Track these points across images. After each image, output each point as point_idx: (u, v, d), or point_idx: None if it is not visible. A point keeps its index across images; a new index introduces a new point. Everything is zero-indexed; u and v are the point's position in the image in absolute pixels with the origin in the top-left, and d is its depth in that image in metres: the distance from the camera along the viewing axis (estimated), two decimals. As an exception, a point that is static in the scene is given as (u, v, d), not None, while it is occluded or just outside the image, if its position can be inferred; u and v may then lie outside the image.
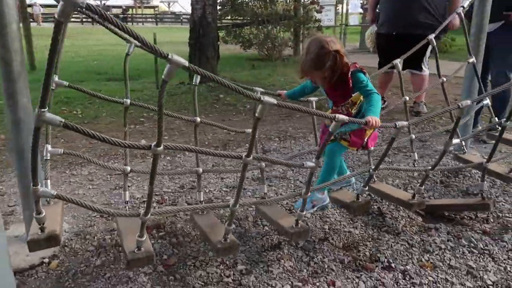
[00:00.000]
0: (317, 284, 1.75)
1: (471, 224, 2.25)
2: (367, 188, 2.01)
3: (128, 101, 1.96)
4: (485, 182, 2.23)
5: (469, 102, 1.69)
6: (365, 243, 2.07)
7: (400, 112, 4.45)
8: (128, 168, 2.02)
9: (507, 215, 2.33)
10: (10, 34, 1.76)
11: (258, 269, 1.85)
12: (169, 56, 1.11)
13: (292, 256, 1.96)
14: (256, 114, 1.34)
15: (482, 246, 2.01)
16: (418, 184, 2.02)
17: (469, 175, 2.89)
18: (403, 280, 1.78)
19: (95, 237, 2.14)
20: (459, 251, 1.98)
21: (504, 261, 1.90)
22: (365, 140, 1.99)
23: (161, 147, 1.27)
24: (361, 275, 1.82)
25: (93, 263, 1.93)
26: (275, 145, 3.67)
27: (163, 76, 1.16)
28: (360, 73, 1.86)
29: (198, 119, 2.11)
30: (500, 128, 1.90)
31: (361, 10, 13.76)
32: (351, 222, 2.28)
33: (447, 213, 2.35)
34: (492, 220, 2.29)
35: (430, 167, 1.95)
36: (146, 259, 1.57)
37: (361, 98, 1.93)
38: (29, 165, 1.78)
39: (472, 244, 2.03)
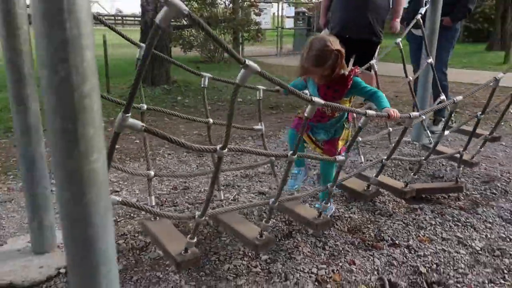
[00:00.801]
0: (340, 264, 1.92)
1: (447, 202, 2.58)
2: (378, 177, 2.21)
3: (145, 106, 1.96)
4: (461, 168, 2.56)
5: (461, 97, 1.98)
6: (367, 225, 2.28)
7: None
8: (152, 173, 2.01)
9: (473, 192, 2.70)
10: (22, 35, 1.69)
11: (281, 257, 1.97)
12: (246, 62, 1.18)
13: (307, 243, 2.10)
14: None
15: (463, 220, 2.33)
16: (412, 174, 2.29)
17: (431, 162, 3.26)
18: (410, 254, 2.01)
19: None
20: (447, 225, 2.28)
21: (484, 230, 2.23)
22: (338, 150, 2.11)
23: (225, 150, 1.35)
24: (373, 253, 2.02)
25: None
26: (251, 144, 3.79)
27: (237, 81, 1.22)
28: (357, 77, 2.00)
29: (211, 120, 2.18)
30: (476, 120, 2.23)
31: (293, 14, 14.36)
32: (347, 208, 2.48)
33: (424, 195, 2.65)
34: (462, 198, 2.64)
35: (423, 158, 2.23)
36: (195, 260, 1.63)
37: (348, 103, 2.06)
38: (39, 173, 1.74)
39: (455, 219, 2.34)
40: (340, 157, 1.74)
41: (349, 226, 2.28)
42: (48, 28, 0.81)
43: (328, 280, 1.81)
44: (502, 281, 1.82)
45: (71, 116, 0.86)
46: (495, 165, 3.21)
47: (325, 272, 1.85)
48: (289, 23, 14.35)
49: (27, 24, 1.71)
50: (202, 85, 2.16)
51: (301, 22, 13.19)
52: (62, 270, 1.87)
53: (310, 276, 1.82)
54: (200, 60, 10.28)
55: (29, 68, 1.74)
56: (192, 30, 10.11)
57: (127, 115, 1.13)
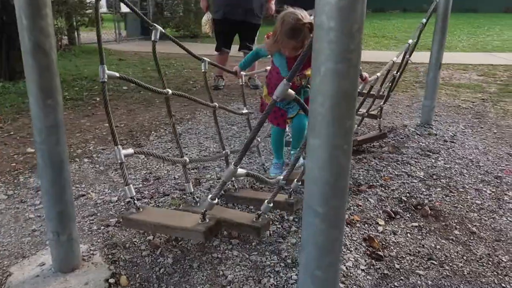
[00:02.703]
0: (351, 208, 2.30)
1: (377, 150, 3.24)
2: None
3: (170, 91, 1.88)
4: (381, 119, 3.23)
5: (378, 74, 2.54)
6: (341, 177, 2.72)
7: (238, 88, 5.25)
8: (187, 159, 1.93)
9: (390, 141, 3.45)
10: (48, 16, 1.43)
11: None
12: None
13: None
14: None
15: (399, 159, 3.00)
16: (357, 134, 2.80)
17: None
18: (387, 190, 2.54)
19: (136, 243, 1.94)
20: (392, 165, 2.91)
21: (414, 164, 2.94)
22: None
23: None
24: (363, 196, 2.46)
25: (165, 262, 1.82)
26: (189, 124, 3.75)
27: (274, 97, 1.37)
28: None
29: (217, 104, 2.20)
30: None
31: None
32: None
33: (355, 147, 3.25)
34: (384, 145, 3.34)
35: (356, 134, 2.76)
36: (216, 224, 1.66)
37: (310, 72, 2.11)
38: (66, 177, 1.59)
39: (393, 160, 2.99)
40: None
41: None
42: None
43: (352, 221, 2.17)
44: (451, 194, 2.51)
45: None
46: (393, 119, 4.09)
47: (346, 216, 2.21)
48: (124, 7, 13.48)
49: (50, 5, 1.45)
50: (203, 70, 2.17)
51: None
52: (112, 280, 1.69)
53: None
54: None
55: (55, 54, 1.48)
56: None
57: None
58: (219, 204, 2.13)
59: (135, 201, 1.63)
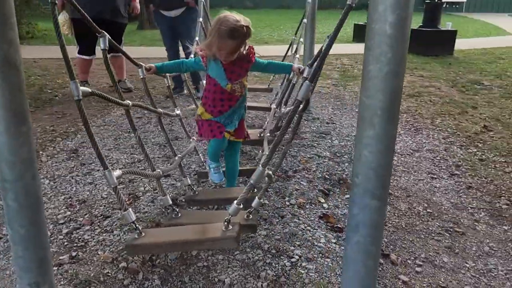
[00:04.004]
0: (292, 202, 2.52)
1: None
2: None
3: (130, 102, 1.71)
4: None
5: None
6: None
7: (113, 90, 5.00)
8: (161, 172, 1.78)
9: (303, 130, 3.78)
10: (15, 26, 1.18)
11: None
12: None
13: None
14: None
15: (305, 144, 3.36)
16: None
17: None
18: (309, 172, 2.85)
19: (110, 274, 1.74)
20: (302, 150, 3.24)
21: (318, 146, 3.34)
22: (246, 131, 2.19)
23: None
24: (294, 181, 2.71)
25: (153, 285, 1.70)
26: (79, 138, 3.31)
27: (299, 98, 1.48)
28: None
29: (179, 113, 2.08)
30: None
31: None
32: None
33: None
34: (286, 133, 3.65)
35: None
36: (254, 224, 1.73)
37: (246, 82, 2.09)
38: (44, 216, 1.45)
39: (299, 145, 3.33)
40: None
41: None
42: None
43: (301, 204, 2.39)
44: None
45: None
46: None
47: (294, 200, 2.42)
48: None
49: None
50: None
51: None
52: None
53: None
54: None
55: (23, 69, 1.22)
56: None
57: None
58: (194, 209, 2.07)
59: (137, 226, 1.48)
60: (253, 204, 1.73)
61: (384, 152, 1.16)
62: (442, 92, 5.33)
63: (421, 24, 8.88)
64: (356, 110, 4.45)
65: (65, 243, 1.97)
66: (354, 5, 1.33)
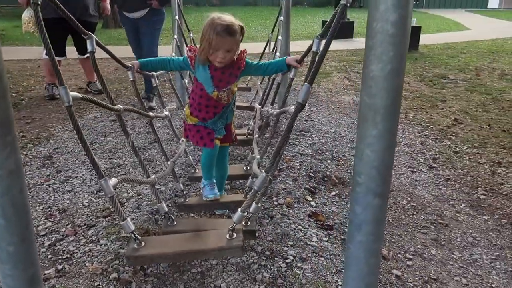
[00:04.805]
0: (279, 201, 2.51)
1: (262, 137, 3.52)
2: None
3: (121, 107, 1.63)
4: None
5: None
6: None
7: (84, 92, 4.86)
8: (156, 178, 1.71)
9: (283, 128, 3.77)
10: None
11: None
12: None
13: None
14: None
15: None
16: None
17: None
18: (293, 170, 2.85)
19: (101, 286, 1.66)
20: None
21: (299, 144, 3.36)
22: (234, 134, 2.15)
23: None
24: (280, 180, 2.71)
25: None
26: (52, 143, 3.15)
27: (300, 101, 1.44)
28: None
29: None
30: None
31: None
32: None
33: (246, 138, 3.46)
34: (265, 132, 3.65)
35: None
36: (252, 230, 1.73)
37: (235, 88, 2.01)
38: (32, 233, 1.40)
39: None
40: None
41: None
42: None
43: (289, 203, 2.39)
44: (340, 163, 3.01)
45: None
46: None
47: (282, 200, 2.41)
48: None
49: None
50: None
51: None
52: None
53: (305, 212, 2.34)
54: None
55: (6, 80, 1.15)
56: None
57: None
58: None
59: (136, 235, 1.42)
60: (251, 209, 1.70)
61: (387, 150, 1.17)
62: (412, 87, 5.48)
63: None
64: (332, 107, 4.52)
65: (49, 256, 1.87)
66: (349, 4, 1.32)
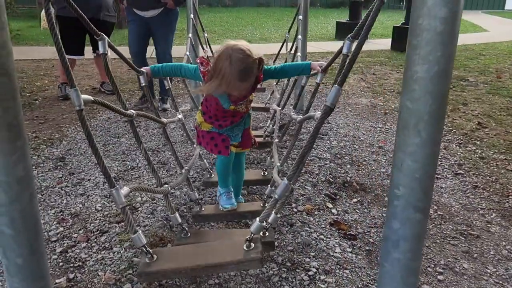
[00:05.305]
0: (300, 205, 2.40)
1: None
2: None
3: (134, 112, 1.55)
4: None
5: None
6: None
7: (97, 93, 4.82)
8: (169, 188, 1.62)
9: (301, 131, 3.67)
10: (6, 26, 1.02)
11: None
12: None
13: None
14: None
15: (303, 146, 3.24)
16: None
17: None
18: (312, 175, 2.74)
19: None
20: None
21: (317, 148, 3.24)
22: (253, 138, 2.07)
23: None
24: (298, 186, 2.60)
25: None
26: (65, 144, 3.09)
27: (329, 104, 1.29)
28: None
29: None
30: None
31: None
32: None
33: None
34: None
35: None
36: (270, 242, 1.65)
37: (252, 97, 1.92)
38: (42, 244, 1.30)
39: (298, 147, 3.22)
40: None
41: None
42: None
43: (309, 210, 2.28)
44: (360, 168, 2.89)
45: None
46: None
47: (301, 207, 2.30)
48: None
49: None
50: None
51: None
52: None
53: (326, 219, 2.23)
54: None
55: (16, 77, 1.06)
56: None
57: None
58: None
59: (148, 249, 1.32)
60: (270, 220, 1.59)
61: (430, 160, 1.06)
62: (431, 89, 5.32)
63: (403, 21, 8.93)
64: (349, 109, 4.39)
65: (60, 264, 1.80)
66: (385, 1, 1.22)
